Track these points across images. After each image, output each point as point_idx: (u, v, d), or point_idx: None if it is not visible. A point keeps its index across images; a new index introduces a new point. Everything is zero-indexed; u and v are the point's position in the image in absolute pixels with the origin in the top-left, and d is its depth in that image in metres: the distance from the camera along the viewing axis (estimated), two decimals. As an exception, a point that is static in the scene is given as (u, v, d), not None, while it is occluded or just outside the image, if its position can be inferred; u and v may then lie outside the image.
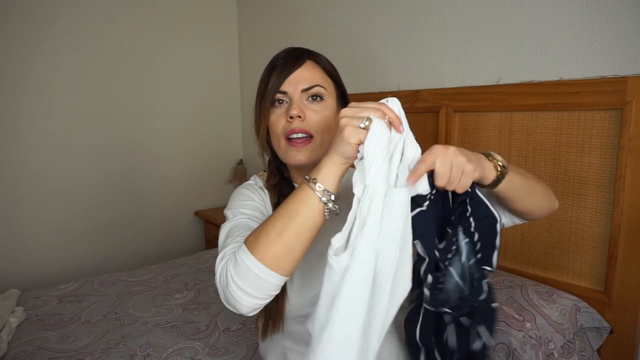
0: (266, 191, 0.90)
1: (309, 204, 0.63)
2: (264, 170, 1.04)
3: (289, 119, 0.79)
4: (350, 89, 0.92)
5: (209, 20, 2.74)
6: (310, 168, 0.72)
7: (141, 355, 1.24)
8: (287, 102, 0.81)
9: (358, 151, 0.61)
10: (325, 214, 0.63)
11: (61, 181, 2.25)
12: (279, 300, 0.82)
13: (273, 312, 0.83)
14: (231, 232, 0.76)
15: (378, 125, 0.59)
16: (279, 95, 0.81)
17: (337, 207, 0.63)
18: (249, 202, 0.85)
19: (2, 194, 2.09)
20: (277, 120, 0.81)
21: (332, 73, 0.87)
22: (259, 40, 2.73)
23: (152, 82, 2.52)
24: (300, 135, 0.79)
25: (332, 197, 0.63)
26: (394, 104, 0.64)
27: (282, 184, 0.89)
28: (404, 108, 0.65)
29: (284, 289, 0.82)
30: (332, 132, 0.80)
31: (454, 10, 1.66)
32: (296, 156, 0.80)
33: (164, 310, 1.53)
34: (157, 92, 2.55)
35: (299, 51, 0.85)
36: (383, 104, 0.63)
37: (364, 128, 0.59)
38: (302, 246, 0.64)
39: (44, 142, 2.19)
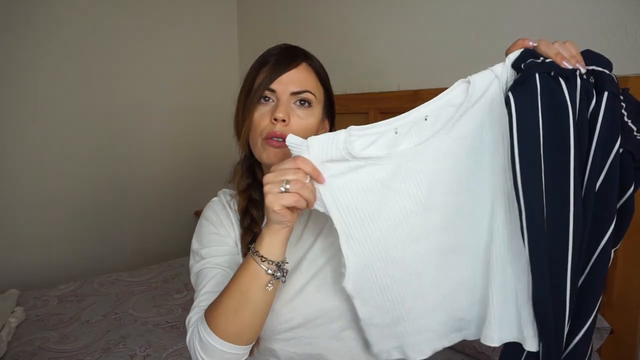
0: (232, 208, 0.85)
1: (259, 279, 0.64)
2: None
3: (273, 121, 0.76)
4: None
5: (208, 15, 2.74)
6: None
7: (141, 356, 1.24)
8: (273, 101, 0.78)
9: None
10: (269, 288, 0.64)
11: (61, 181, 2.25)
12: None
13: None
14: (199, 277, 0.77)
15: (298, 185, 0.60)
16: (266, 93, 0.77)
17: (284, 276, 0.65)
18: (215, 237, 0.82)
19: (1, 194, 2.09)
20: (261, 118, 0.78)
21: (324, 80, 0.83)
22: (259, 35, 2.73)
23: (150, 80, 2.51)
24: (280, 139, 0.76)
25: (281, 265, 0.65)
26: (313, 152, 0.62)
27: (252, 188, 0.85)
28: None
29: None
30: None
31: (453, 10, 1.66)
32: (271, 155, 0.77)
33: (164, 310, 1.53)
34: (155, 90, 2.54)
35: (295, 51, 0.81)
36: (299, 159, 0.61)
37: (285, 191, 0.60)
38: (261, 316, 0.66)
39: (44, 142, 2.18)
